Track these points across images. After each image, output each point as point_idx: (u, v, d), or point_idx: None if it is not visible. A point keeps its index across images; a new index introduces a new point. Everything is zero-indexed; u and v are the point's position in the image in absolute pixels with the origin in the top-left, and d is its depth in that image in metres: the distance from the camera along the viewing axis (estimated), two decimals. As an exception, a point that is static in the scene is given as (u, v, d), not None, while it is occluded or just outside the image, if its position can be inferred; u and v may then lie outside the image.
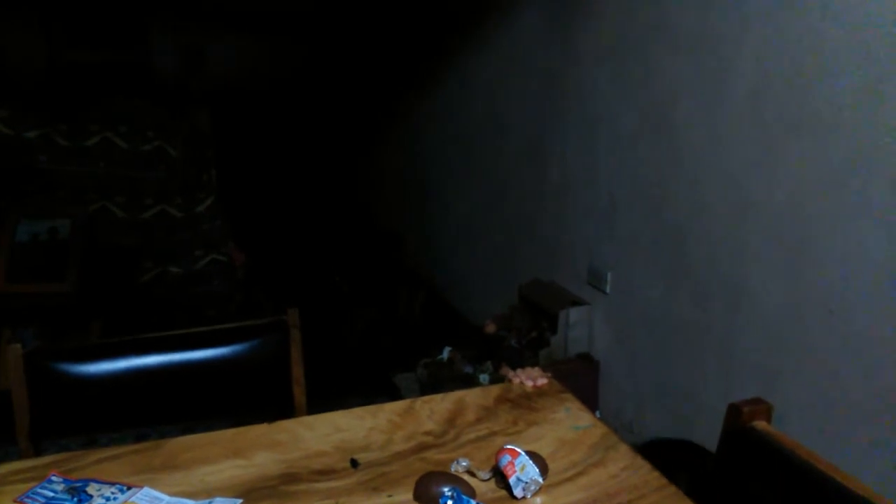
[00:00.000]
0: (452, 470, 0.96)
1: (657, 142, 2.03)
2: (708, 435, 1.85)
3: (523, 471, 0.91)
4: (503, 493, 0.93)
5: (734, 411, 0.98)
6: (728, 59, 1.75)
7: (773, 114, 1.63)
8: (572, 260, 2.46)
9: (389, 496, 0.92)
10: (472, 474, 0.96)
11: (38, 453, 1.26)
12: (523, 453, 0.93)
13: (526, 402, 1.15)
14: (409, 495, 0.92)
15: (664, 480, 0.94)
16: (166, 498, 0.92)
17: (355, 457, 1.01)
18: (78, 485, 0.95)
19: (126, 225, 3.06)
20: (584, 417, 1.10)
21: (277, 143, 4.41)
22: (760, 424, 0.96)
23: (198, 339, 1.37)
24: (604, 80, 2.24)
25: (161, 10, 4.18)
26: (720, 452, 1.01)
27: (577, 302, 2.37)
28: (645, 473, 0.96)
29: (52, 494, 0.93)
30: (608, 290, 2.27)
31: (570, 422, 1.09)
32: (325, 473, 0.98)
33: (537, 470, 0.92)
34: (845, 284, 1.50)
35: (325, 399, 1.39)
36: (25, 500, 0.93)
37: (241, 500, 0.90)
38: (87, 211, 2.96)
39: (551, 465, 0.97)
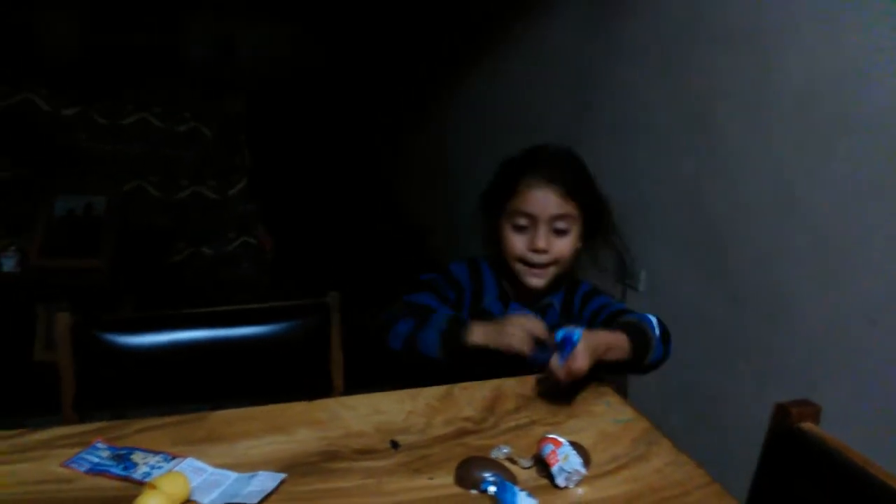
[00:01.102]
0: (493, 456, 0.96)
1: (696, 139, 2.00)
2: (737, 439, 1.83)
3: (566, 460, 0.90)
4: (544, 481, 0.92)
5: (782, 412, 0.97)
6: (774, 56, 1.72)
7: (820, 114, 1.61)
8: (602, 255, 2.43)
9: (430, 478, 0.92)
10: (513, 461, 0.95)
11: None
12: (566, 443, 0.92)
13: (565, 394, 1.14)
14: (450, 479, 0.92)
15: (709, 478, 0.93)
16: (210, 469, 0.92)
17: (395, 438, 1.01)
18: (123, 452, 0.96)
19: (160, 205, 3.09)
20: (625, 411, 1.10)
21: (308, 132, 4.43)
22: (808, 425, 0.95)
23: (240, 316, 1.39)
24: (642, 77, 2.21)
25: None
26: (765, 452, 0.99)
27: (607, 299, 2.35)
28: (690, 470, 0.94)
29: (97, 460, 0.94)
30: (641, 287, 2.25)
31: (610, 415, 1.08)
32: (366, 453, 0.98)
33: (580, 460, 0.91)
34: (890, 293, 1.47)
35: (351, 391, 1.38)
36: (72, 464, 0.94)
37: (284, 475, 0.90)
38: (123, 189, 3.00)
39: (593, 458, 0.96)
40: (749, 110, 1.81)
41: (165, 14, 4.23)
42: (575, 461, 0.90)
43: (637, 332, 1.14)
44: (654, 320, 1.20)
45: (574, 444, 0.93)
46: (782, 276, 1.72)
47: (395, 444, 1.00)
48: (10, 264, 2.91)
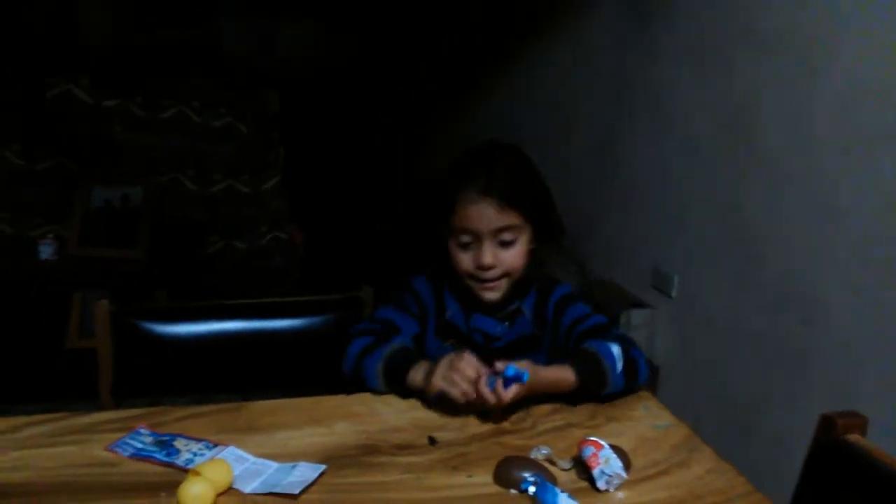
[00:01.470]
0: (532, 456, 0.95)
1: (736, 144, 1.98)
2: (771, 448, 1.80)
3: (607, 464, 0.89)
4: (584, 484, 0.91)
5: (827, 423, 0.95)
6: (818, 62, 1.69)
7: (864, 121, 1.57)
8: (636, 261, 2.42)
9: (469, 476, 0.92)
10: (552, 462, 0.95)
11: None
12: (607, 446, 0.91)
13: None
14: (489, 477, 0.92)
15: (751, 486, 0.91)
16: (251, 458, 0.93)
17: (433, 435, 1.01)
18: (166, 438, 0.97)
19: (195, 198, 3.13)
20: (664, 416, 1.08)
21: (340, 129, 4.46)
22: (855, 437, 0.93)
23: (275, 308, 1.41)
24: (682, 81, 2.19)
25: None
26: (809, 463, 0.98)
27: (639, 304, 2.34)
28: (731, 477, 0.93)
29: (140, 445, 0.96)
30: (674, 293, 2.23)
31: (649, 420, 1.07)
32: (404, 448, 0.98)
33: (621, 464, 0.90)
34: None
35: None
36: (116, 448, 0.95)
37: (325, 466, 0.91)
38: (160, 181, 3.04)
39: (632, 462, 0.95)
40: (791, 116, 1.79)
41: (203, 11, 4.29)
42: (616, 465, 0.90)
43: (591, 366, 1.10)
44: (617, 351, 1.12)
45: (614, 448, 0.92)
46: (821, 285, 1.69)
47: (432, 441, 1.00)
48: (48, 252, 2.97)
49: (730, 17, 1.98)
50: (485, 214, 1.14)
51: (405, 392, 1.11)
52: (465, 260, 1.17)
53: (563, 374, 1.08)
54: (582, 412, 1.09)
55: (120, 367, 1.35)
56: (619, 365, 1.11)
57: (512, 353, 1.20)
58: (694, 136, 2.14)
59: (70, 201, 3.00)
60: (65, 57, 3.51)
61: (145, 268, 2.85)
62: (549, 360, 1.23)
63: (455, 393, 1.03)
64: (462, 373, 1.03)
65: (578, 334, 1.20)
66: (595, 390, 1.10)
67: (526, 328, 1.25)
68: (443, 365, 1.05)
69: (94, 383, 1.35)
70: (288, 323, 1.40)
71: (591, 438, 0.93)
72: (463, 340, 1.22)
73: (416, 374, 1.09)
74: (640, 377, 1.16)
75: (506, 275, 1.18)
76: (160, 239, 2.95)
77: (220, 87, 3.23)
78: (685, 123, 2.18)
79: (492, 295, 1.20)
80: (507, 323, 1.24)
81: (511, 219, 1.15)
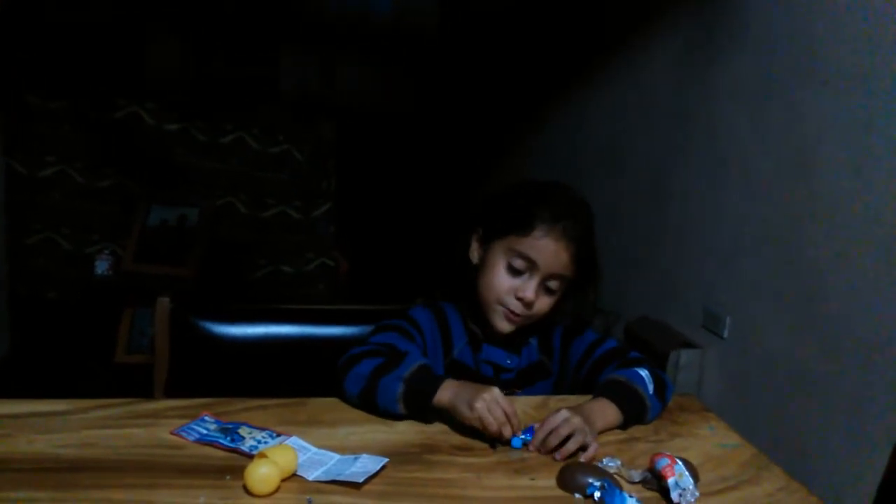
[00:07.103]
0: (601, 467, 0.93)
1: (794, 184, 1.95)
2: (825, 495, 1.73)
3: (682, 478, 0.87)
4: (653, 494, 0.89)
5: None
6: (884, 105, 1.67)
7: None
8: (687, 300, 2.39)
9: (532, 479, 0.91)
10: (621, 476, 0.93)
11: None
12: (680, 461, 0.89)
13: (666, 414, 1.11)
14: (552, 481, 0.90)
15: (825, 506, 0.88)
16: (314, 448, 0.93)
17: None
18: (230, 426, 0.98)
19: (247, 221, 3.19)
20: (731, 437, 1.06)
21: (392, 164, 4.54)
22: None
23: (330, 315, 1.42)
24: (740, 121, 2.19)
25: (292, 32, 4.44)
26: (880, 494, 0.94)
27: (688, 344, 2.29)
28: (803, 497, 0.90)
29: (205, 431, 0.97)
30: (725, 334, 2.18)
31: (715, 439, 1.05)
32: (465, 450, 0.97)
33: (693, 482, 0.88)
34: None
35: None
36: (181, 433, 0.97)
37: (387, 459, 0.90)
38: (215, 204, 3.11)
39: (700, 477, 0.92)
40: (852, 156, 1.76)
41: (265, 47, 4.46)
42: (689, 481, 0.87)
43: (629, 398, 1.07)
44: (646, 374, 1.11)
45: (685, 463, 0.90)
46: (882, 327, 1.64)
47: (493, 444, 0.99)
48: (103, 267, 3.05)
49: (793, 57, 1.98)
50: (557, 255, 1.13)
51: (424, 416, 1.03)
52: (506, 283, 1.14)
53: (610, 418, 1.06)
54: (645, 427, 1.07)
55: (175, 366, 1.37)
56: (651, 387, 1.10)
57: (521, 383, 1.22)
58: (751, 176, 2.12)
59: (128, 220, 3.10)
60: (131, 84, 3.66)
61: (196, 286, 2.90)
62: (556, 389, 1.25)
63: (493, 429, 0.97)
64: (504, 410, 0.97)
65: (595, 361, 1.19)
66: (638, 420, 1.09)
67: (534, 356, 1.24)
68: (486, 398, 0.97)
69: (140, 396, 1.37)
70: (341, 330, 1.40)
71: (665, 452, 0.91)
72: (472, 377, 1.17)
73: (444, 395, 1.01)
74: (669, 394, 1.15)
75: (529, 317, 1.17)
76: (211, 259, 3.01)
77: (278, 116, 3.32)
78: (743, 164, 2.16)
79: (506, 326, 1.17)
80: (515, 354, 1.23)
81: (569, 272, 1.15)
